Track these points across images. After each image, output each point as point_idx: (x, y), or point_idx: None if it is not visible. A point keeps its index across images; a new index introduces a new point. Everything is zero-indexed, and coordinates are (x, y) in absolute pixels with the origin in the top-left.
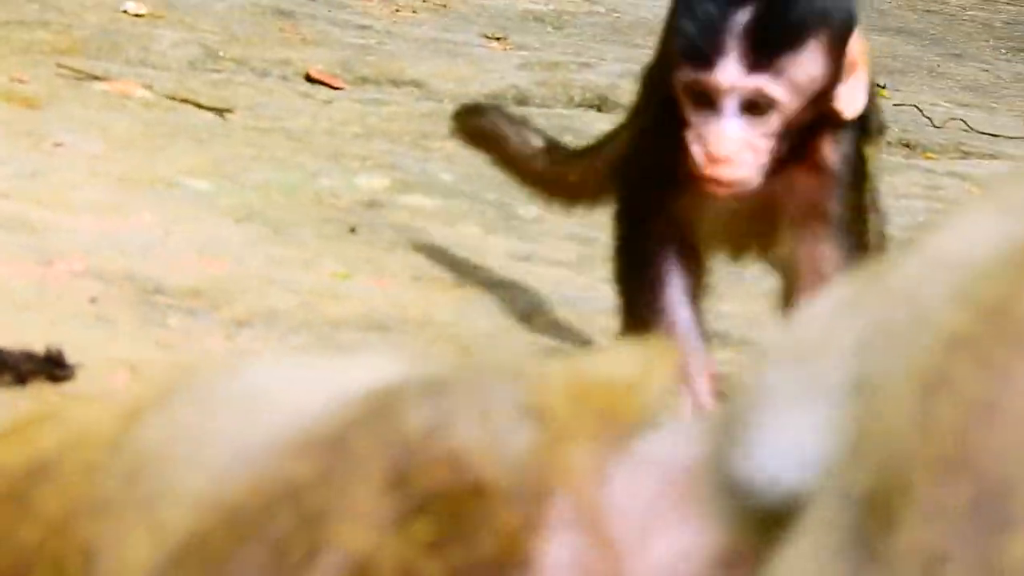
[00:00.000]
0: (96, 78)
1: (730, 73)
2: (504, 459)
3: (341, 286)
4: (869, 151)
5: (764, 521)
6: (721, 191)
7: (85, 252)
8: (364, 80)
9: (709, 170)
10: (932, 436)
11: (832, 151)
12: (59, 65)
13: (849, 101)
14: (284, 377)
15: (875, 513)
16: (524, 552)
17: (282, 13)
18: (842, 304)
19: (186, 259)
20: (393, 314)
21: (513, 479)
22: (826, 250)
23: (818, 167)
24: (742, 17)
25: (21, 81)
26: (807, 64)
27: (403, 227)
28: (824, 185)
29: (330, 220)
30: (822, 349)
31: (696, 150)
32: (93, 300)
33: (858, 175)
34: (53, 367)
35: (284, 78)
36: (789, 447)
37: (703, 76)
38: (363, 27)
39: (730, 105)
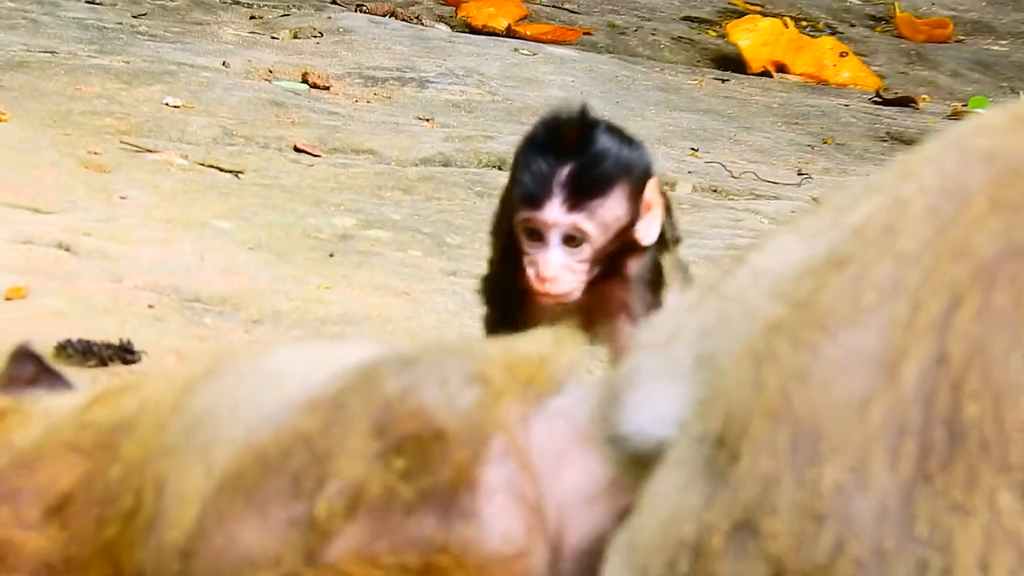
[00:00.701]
0: (148, 151)
1: (554, 213)
2: (457, 412)
3: (325, 295)
4: (666, 261)
5: (639, 461)
6: (549, 302)
7: (144, 273)
8: (335, 150)
9: (540, 287)
10: (763, 394)
11: (635, 266)
12: (122, 142)
13: (646, 232)
14: (295, 358)
15: (722, 450)
16: (472, 478)
17: (277, 104)
18: (688, 306)
19: (215, 276)
20: (363, 314)
21: (463, 426)
22: (629, 333)
23: (624, 278)
24: (564, 171)
25: (96, 154)
26: (612, 207)
27: (367, 252)
28: (628, 291)
29: (315, 248)
30: (674, 338)
31: (530, 272)
32: (151, 307)
33: (655, 280)
34: (125, 354)
35: (279, 149)
36: (652, 409)
37: (534, 215)
38: (333, 113)
39: (554, 238)
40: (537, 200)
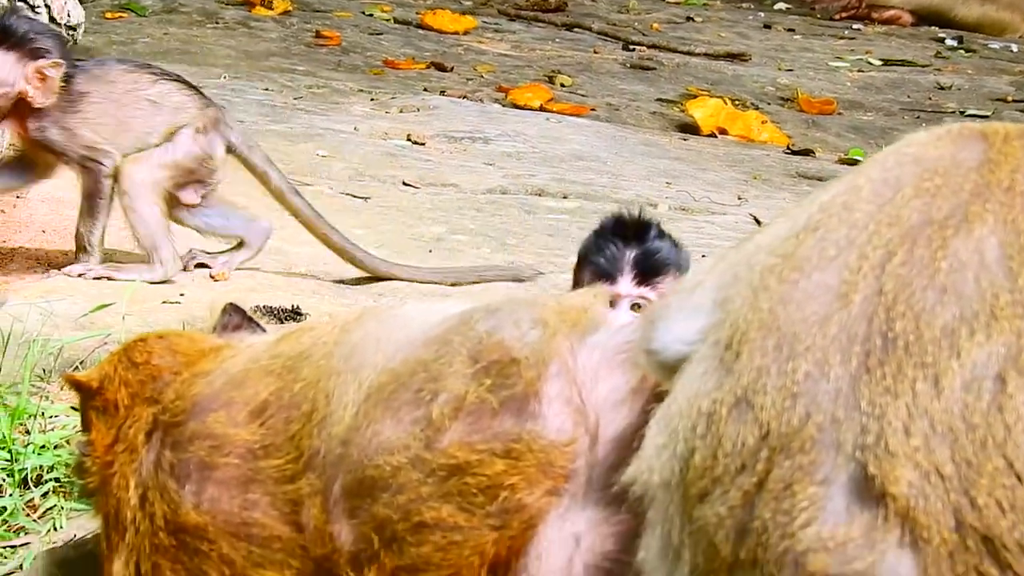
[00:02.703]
0: (306, 184)
1: (626, 287)
2: (526, 345)
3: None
4: None
5: (666, 369)
6: None
7: (306, 263)
8: (430, 184)
9: None
10: (758, 313)
11: None
12: (289, 179)
13: None
14: (417, 309)
15: (729, 351)
16: (537, 390)
17: (391, 155)
18: (706, 268)
19: (351, 268)
20: (453, 290)
21: (530, 355)
22: None
23: None
24: (632, 254)
25: None
26: (666, 287)
27: (453, 249)
28: None
29: (419, 247)
30: (697, 288)
31: None
32: (313, 287)
33: None
34: (295, 315)
35: (393, 183)
36: (676, 333)
37: (609, 288)
38: (428, 160)
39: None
40: (611, 276)
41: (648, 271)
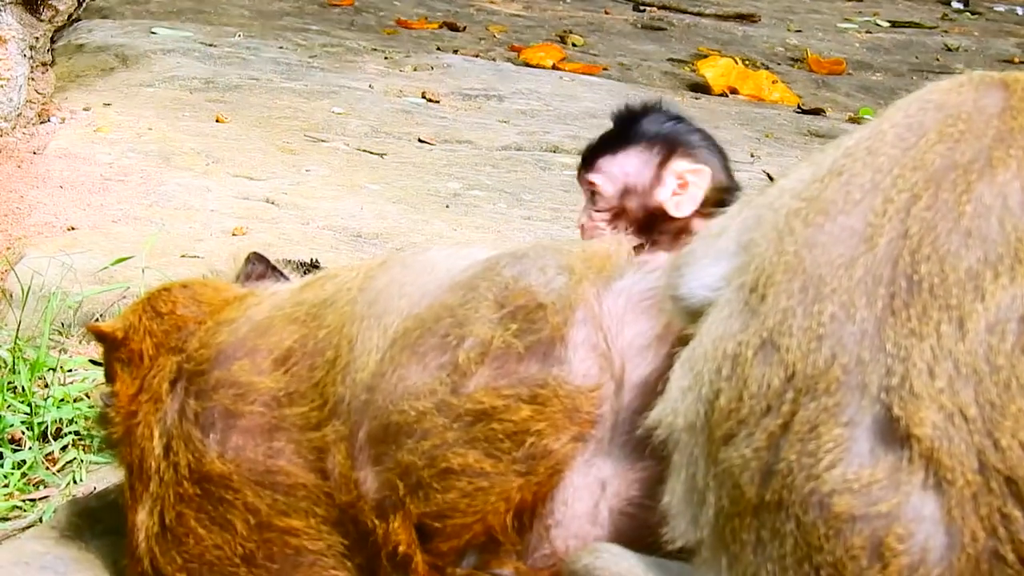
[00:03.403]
0: (322, 141)
1: (581, 174)
2: (552, 291)
3: (444, 230)
4: None
5: (688, 313)
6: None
7: (324, 217)
8: (445, 141)
9: (582, 237)
10: (783, 256)
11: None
12: (305, 135)
13: (676, 204)
14: (441, 253)
15: (754, 293)
16: (563, 335)
17: (406, 112)
18: (732, 212)
19: (371, 220)
20: (478, 236)
21: (556, 300)
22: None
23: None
24: (596, 141)
25: (288, 143)
26: (622, 165)
27: (470, 205)
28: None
29: (436, 202)
30: (722, 232)
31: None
32: (331, 241)
33: None
34: (314, 268)
35: (409, 140)
36: (700, 279)
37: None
38: (443, 117)
39: (585, 195)
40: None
41: (597, 151)
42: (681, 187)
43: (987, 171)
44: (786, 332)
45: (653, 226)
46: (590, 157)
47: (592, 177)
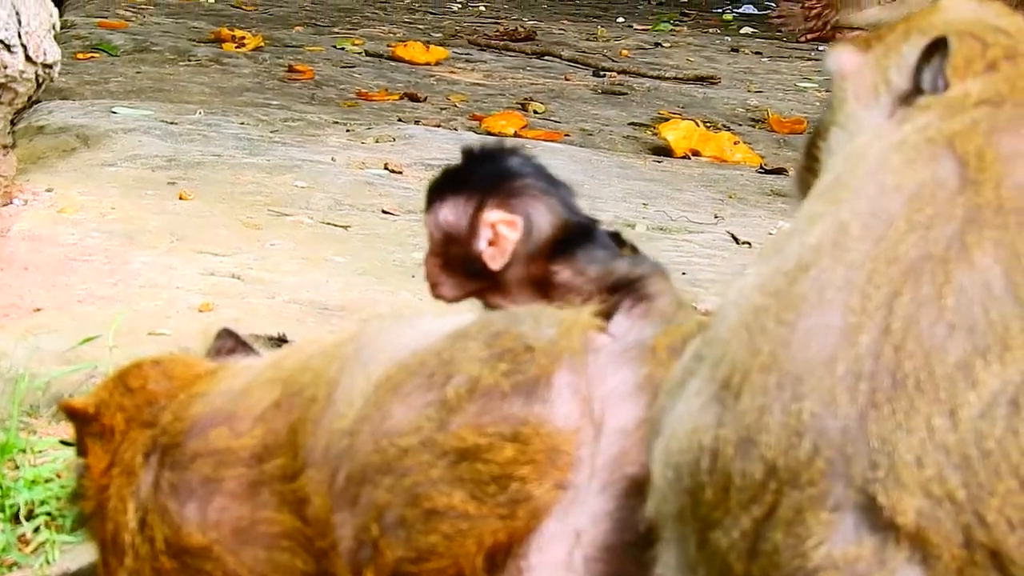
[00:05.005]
0: (286, 215)
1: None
2: (542, 337)
3: (413, 301)
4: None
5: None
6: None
7: (290, 291)
8: (409, 211)
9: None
10: (758, 356)
11: (516, 288)
12: (268, 210)
13: (490, 255)
14: (429, 318)
15: (728, 391)
16: (548, 375)
17: (369, 183)
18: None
19: (336, 292)
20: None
21: (546, 345)
22: None
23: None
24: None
25: (252, 218)
26: (445, 214)
27: None
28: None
29: (402, 273)
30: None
31: None
32: (297, 315)
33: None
34: (282, 343)
35: (373, 212)
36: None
37: None
38: (406, 188)
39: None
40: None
41: (431, 197)
42: (494, 238)
43: (963, 257)
44: (764, 429)
45: (484, 276)
46: (428, 197)
47: (426, 219)
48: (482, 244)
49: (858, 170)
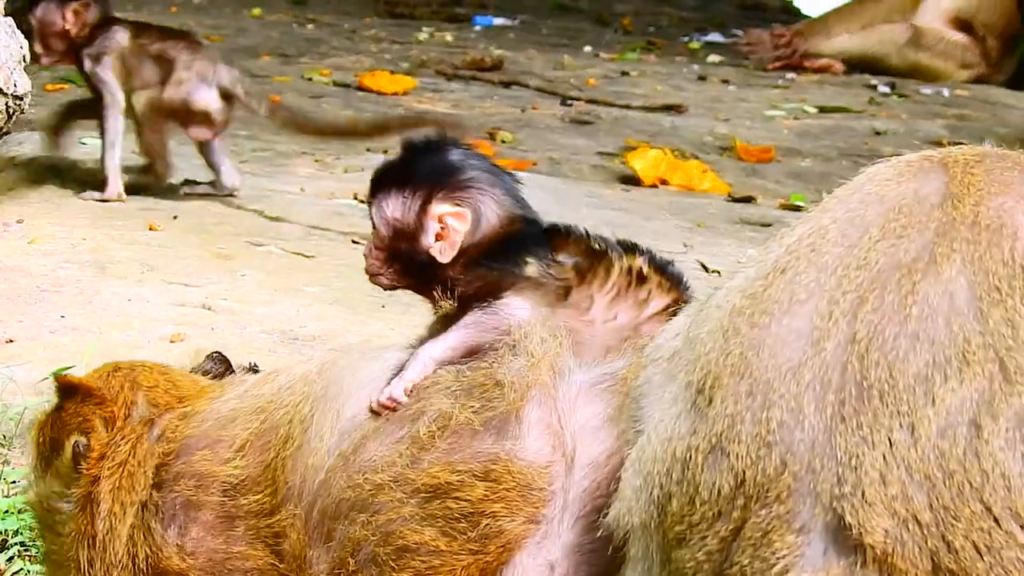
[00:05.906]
0: (257, 245)
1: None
2: (511, 372)
3: (384, 330)
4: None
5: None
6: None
7: (261, 321)
8: None
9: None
10: (729, 358)
11: (463, 281)
12: (239, 240)
13: (438, 249)
14: (389, 350)
15: (702, 396)
16: (518, 410)
17: (338, 214)
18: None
19: (307, 322)
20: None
21: (514, 380)
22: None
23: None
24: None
25: (223, 249)
26: (390, 206)
27: (407, 304)
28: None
29: (372, 302)
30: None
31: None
32: (268, 345)
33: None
34: (255, 371)
35: (342, 241)
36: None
37: None
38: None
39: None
40: None
41: (374, 187)
42: (442, 232)
43: (931, 269)
44: (734, 439)
45: (432, 271)
46: (371, 190)
47: (371, 210)
48: (430, 239)
49: (849, 183)
